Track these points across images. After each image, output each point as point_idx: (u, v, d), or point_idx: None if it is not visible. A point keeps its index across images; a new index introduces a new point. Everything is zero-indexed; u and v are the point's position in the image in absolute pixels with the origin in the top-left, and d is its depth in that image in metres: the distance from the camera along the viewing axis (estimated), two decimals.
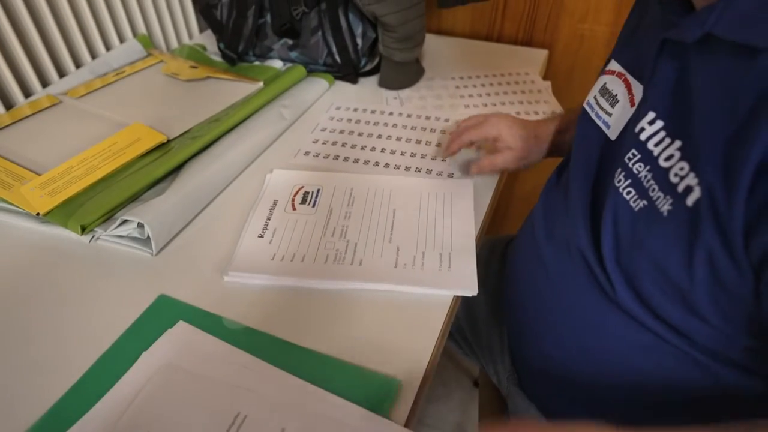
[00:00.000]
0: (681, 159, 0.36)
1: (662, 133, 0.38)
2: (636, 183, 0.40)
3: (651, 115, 0.40)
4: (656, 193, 0.38)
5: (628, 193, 0.40)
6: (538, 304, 0.54)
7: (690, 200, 0.35)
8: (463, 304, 0.72)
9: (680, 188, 0.36)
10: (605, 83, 0.49)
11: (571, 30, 0.99)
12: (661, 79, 0.39)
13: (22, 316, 0.49)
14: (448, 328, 0.52)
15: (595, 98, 0.50)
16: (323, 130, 0.76)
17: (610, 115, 0.46)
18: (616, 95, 0.46)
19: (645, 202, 0.39)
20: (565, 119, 0.65)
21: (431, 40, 1.01)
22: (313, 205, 0.62)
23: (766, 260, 0.31)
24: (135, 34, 0.93)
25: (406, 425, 0.41)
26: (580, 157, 0.49)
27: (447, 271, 0.53)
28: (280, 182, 0.65)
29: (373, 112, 0.80)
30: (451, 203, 0.62)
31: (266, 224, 0.59)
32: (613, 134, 0.46)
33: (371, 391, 0.43)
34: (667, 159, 0.37)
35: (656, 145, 0.38)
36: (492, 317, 0.70)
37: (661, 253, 0.38)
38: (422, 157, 0.71)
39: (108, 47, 0.89)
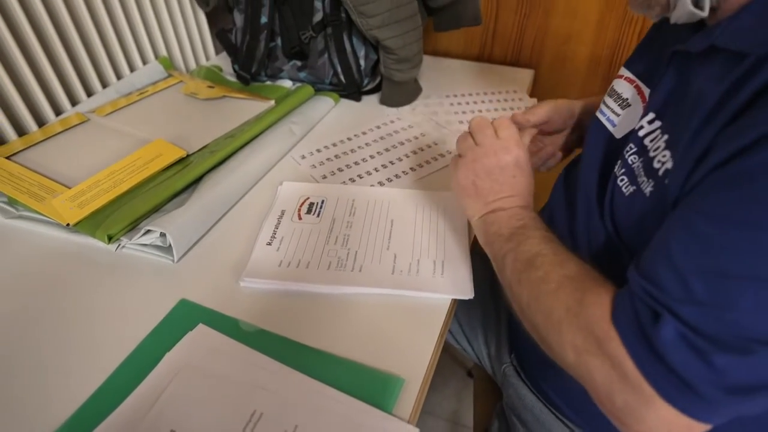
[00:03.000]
0: (665, 149, 0.38)
1: (658, 131, 0.40)
2: (629, 172, 0.41)
3: (651, 115, 0.41)
4: (642, 178, 0.39)
5: (622, 180, 0.42)
6: None
7: (667, 180, 0.36)
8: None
9: (660, 172, 0.37)
10: (613, 86, 0.50)
11: (555, 51, 0.99)
12: (665, 84, 0.41)
13: (54, 319, 0.48)
14: (447, 328, 0.51)
15: (604, 102, 0.51)
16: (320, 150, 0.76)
17: (617, 115, 0.47)
18: (627, 99, 0.47)
19: (633, 187, 0.40)
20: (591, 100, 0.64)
21: (428, 61, 1.01)
22: (318, 215, 0.61)
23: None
24: (157, 56, 0.92)
25: (410, 421, 0.40)
26: (589, 154, 0.49)
27: (440, 277, 0.53)
28: (288, 193, 0.64)
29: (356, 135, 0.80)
30: (444, 212, 0.61)
31: (274, 233, 0.58)
32: (618, 132, 0.46)
33: (377, 388, 0.42)
34: (655, 150, 0.39)
35: (651, 140, 0.40)
36: (491, 301, 0.70)
37: (643, 223, 0.39)
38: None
39: (132, 68, 0.88)
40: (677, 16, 0.39)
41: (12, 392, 0.42)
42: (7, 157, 0.66)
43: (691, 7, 0.36)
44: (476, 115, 0.56)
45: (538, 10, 0.95)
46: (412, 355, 0.45)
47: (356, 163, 0.71)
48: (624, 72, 0.50)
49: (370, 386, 0.42)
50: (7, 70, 0.69)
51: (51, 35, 0.73)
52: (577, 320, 0.36)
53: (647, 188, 0.39)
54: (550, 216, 0.56)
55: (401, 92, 0.85)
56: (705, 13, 0.36)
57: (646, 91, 0.45)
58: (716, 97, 0.33)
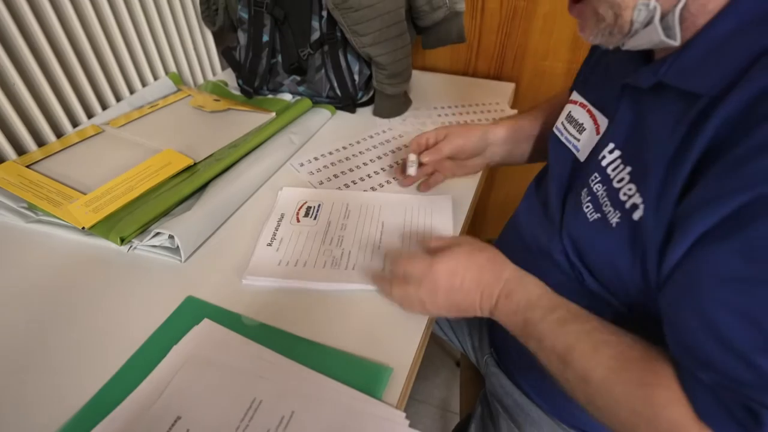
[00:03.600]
0: (630, 182, 0.37)
1: (618, 161, 0.39)
2: (594, 199, 0.41)
3: (611, 146, 0.40)
4: (608, 208, 0.38)
5: (587, 207, 0.41)
6: None
7: (636, 215, 0.35)
8: None
9: (627, 205, 0.36)
10: (570, 111, 0.50)
11: (534, 66, 1.00)
12: (622, 117, 0.40)
13: (69, 315, 0.49)
14: (433, 321, 0.51)
15: (563, 124, 0.50)
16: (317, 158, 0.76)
17: (578, 140, 0.47)
18: (582, 123, 0.47)
19: (598, 215, 0.39)
20: (517, 129, 0.64)
21: (417, 76, 1.01)
22: (315, 218, 0.61)
23: (668, 279, 0.33)
24: (167, 72, 0.93)
25: (398, 406, 0.41)
26: (556, 176, 0.49)
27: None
28: (288, 198, 0.65)
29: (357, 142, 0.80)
30: (431, 216, 0.62)
31: (274, 234, 0.58)
32: (582, 156, 0.46)
33: (368, 377, 0.43)
34: (619, 181, 0.38)
35: (613, 170, 0.39)
36: None
37: (612, 255, 0.38)
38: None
39: (144, 83, 0.89)
40: (636, 44, 0.36)
41: (32, 381, 0.43)
42: (28, 166, 0.67)
43: (663, 37, 0.33)
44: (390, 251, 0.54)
45: (517, 30, 0.96)
46: (400, 346, 0.46)
47: (350, 170, 0.72)
48: (577, 98, 0.49)
49: (361, 375, 0.43)
50: (28, 86, 0.69)
51: (68, 53, 0.74)
52: (657, 424, 0.31)
53: (613, 219, 0.37)
54: (515, 222, 0.57)
55: (392, 104, 0.85)
56: (677, 43, 0.33)
57: (599, 115, 0.45)
58: (678, 140, 0.32)
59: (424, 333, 0.47)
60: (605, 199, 0.39)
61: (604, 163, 0.41)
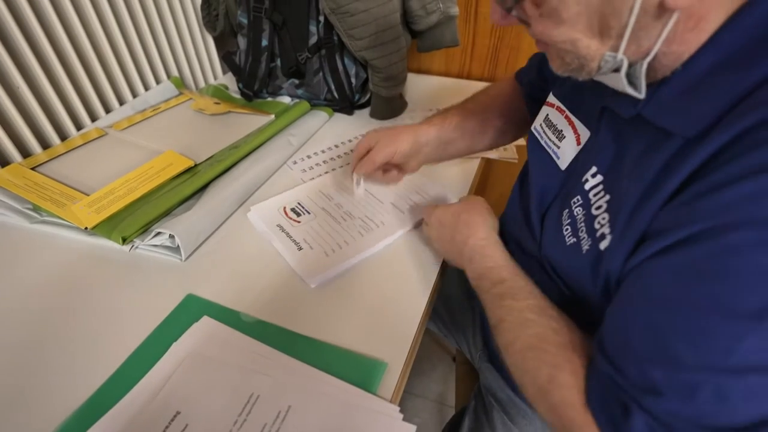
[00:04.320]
0: (606, 210, 0.35)
1: (600, 186, 0.37)
2: (573, 223, 0.39)
3: (593, 169, 0.38)
4: (583, 234, 0.37)
5: (566, 230, 0.40)
6: None
7: (602, 246, 0.35)
8: (440, 292, 0.71)
9: (598, 234, 0.35)
10: (548, 114, 0.47)
11: None
12: (604, 141, 0.38)
13: (72, 313, 0.48)
14: (427, 318, 0.51)
15: (541, 126, 0.48)
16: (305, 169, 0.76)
17: (558, 147, 0.44)
18: (562, 131, 0.44)
19: (574, 239, 0.38)
20: (448, 127, 0.60)
21: (412, 78, 1.01)
22: (308, 213, 0.61)
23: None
24: (169, 76, 0.93)
25: (392, 400, 0.41)
26: (537, 183, 0.47)
27: (428, 198, 0.62)
28: (265, 213, 0.61)
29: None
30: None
31: (294, 240, 0.56)
32: (562, 164, 0.43)
33: (363, 372, 0.43)
34: (598, 208, 0.36)
35: (595, 195, 0.37)
36: (466, 301, 0.70)
37: (581, 277, 0.38)
38: None
39: (146, 87, 0.89)
40: (606, 82, 0.35)
41: (38, 376, 0.42)
42: (33, 168, 0.66)
43: (628, 89, 0.32)
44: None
45: (510, 32, 0.96)
46: (394, 341, 0.46)
47: (341, 167, 0.72)
48: (554, 101, 0.47)
49: (357, 370, 0.43)
50: (33, 90, 0.69)
51: (73, 59, 0.73)
52: (551, 399, 0.34)
53: (585, 245, 0.37)
54: (504, 217, 0.56)
55: (388, 107, 0.85)
56: (641, 96, 0.32)
57: (578, 124, 0.42)
58: (651, 177, 0.31)
59: (418, 329, 0.47)
60: (582, 224, 0.38)
61: (587, 186, 0.38)
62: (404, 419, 0.39)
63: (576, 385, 0.33)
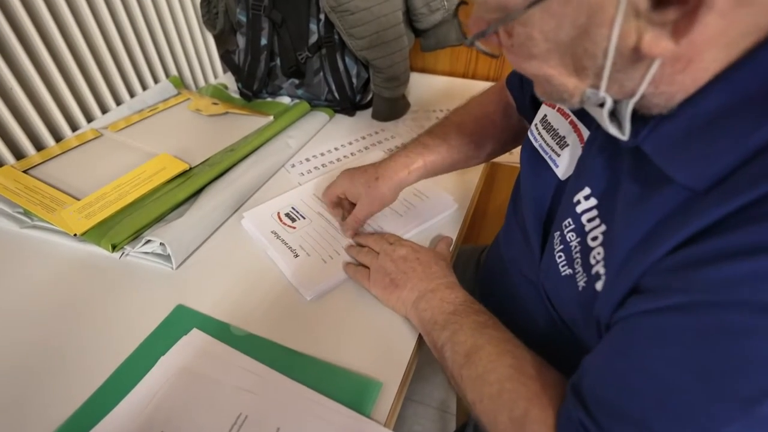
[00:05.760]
0: (601, 244, 0.32)
1: (594, 212, 0.33)
2: (567, 251, 0.36)
3: (587, 190, 0.34)
4: (578, 267, 0.34)
5: (560, 257, 0.36)
6: (503, 308, 0.50)
7: (598, 286, 0.32)
8: None
9: (593, 271, 0.33)
10: (545, 115, 0.43)
11: None
12: (599, 161, 0.34)
13: (59, 322, 0.47)
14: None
15: (536, 128, 0.43)
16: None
17: (558, 155, 0.40)
18: (564, 137, 0.39)
19: (570, 271, 0.35)
20: (431, 166, 0.54)
21: (416, 78, 0.99)
22: (303, 218, 0.59)
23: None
24: (168, 75, 0.91)
25: (386, 424, 0.39)
26: (532, 198, 0.42)
27: (427, 200, 0.61)
28: (259, 219, 0.58)
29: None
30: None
31: (290, 247, 0.54)
32: (562, 174, 0.39)
33: (356, 392, 0.41)
34: (594, 239, 0.33)
35: (589, 221, 0.34)
36: None
37: (575, 313, 0.36)
38: None
39: (144, 87, 0.87)
40: (592, 113, 0.31)
41: (13, 393, 0.41)
42: (25, 171, 0.65)
43: (612, 130, 0.28)
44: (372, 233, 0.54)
45: None
46: (390, 359, 0.43)
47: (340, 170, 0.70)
48: None
49: (350, 389, 0.41)
50: (26, 91, 0.67)
51: (66, 58, 0.72)
52: None
53: (581, 281, 0.34)
54: (497, 239, 0.53)
55: (391, 107, 0.83)
56: (625, 138, 0.28)
57: (584, 129, 0.38)
58: (649, 226, 0.28)
59: (415, 347, 0.45)
60: (578, 254, 0.34)
61: (579, 209, 0.34)
62: (405, 427, 0.37)
63: (545, 421, 0.32)
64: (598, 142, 0.34)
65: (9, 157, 0.67)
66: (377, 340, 0.45)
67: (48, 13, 0.68)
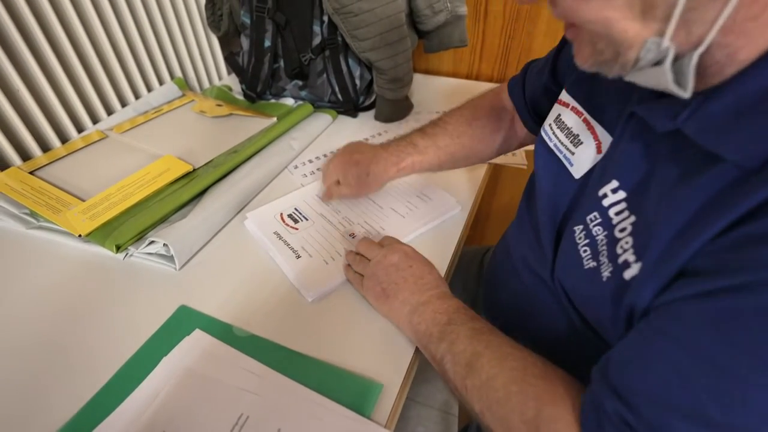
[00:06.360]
0: (630, 234, 0.31)
1: (623, 205, 0.33)
2: (592, 244, 0.35)
3: (614, 183, 0.33)
4: (604, 259, 0.33)
5: (584, 251, 0.35)
6: (511, 308, 0.50)
7: (627, 275, 0.31)
8: None
9: (620, 260, 0.32)
10: (559, 114, 0.42)
11: None
12: (628, 152, 0.33)
13: (62, 322, 0.47)
14: None
15: (551, 127, 0.43)
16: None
17: (573, 153, 0.40)
18: (578, 135, 0.39)
19: (594, 263, 0.34)
20: (413, 161, 0.56)
21: (419, 79, 0.99)
22: (306, 219, 0.59)
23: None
24: (173, 77, 0.91)
25: (387, 426, 0.39)
26: (546, 195, 0.42)
27: (430, 202, 0.60)
28: (262, 220, 0.59)
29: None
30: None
31: (292, 248, 0.54)
32: (576, 173, 0.39)
33: (357, 393, 0.41)
34: (622, 231, 0.32)
35: (617, 214, 0.33)
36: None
37: (598, 306, 0.35)
38: None
39: (149, 89, 0.88)
40: (640, 81, 0.29)
41: (17, 392, 0.41)
42: (31, 172, 0.66)
43: (672, 86, 0.27)
44: (361, 238, 0.54)
45: (521, 32, 0.92)
46: (392, 361, 0.43)
47: None
48: (568, 100, 0.42)
49: (351, 391, 0.41)
50: (32, 92, 0.68)
51: (72, 60, 0.72)
52: None
53: (605, 272, 0.33)
54: (506, 237, 0.53)
55: (394, 109, 0.83)
56: (687, 95, 0.26)
57: (599, 129, 0.38)
58: (696, 207, 0.27)
59: (416, 349, 0.45)
60: (604, 247, 0.33)
61: (605, 203, 0.34)
62: (408, 428, 0.37)
63: (562, 417, 0.31)
64: (628, 135, 0.33)
65: (16, 158, 0.68)
66: (378, 342, 0.45)
67: (54, 15, 0.69)
